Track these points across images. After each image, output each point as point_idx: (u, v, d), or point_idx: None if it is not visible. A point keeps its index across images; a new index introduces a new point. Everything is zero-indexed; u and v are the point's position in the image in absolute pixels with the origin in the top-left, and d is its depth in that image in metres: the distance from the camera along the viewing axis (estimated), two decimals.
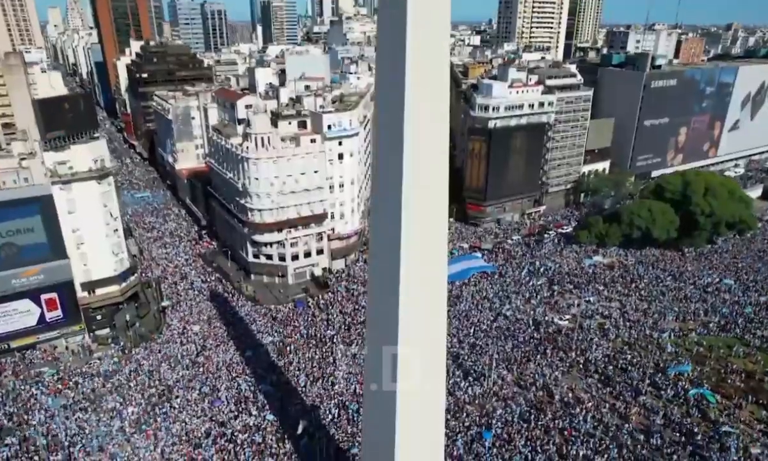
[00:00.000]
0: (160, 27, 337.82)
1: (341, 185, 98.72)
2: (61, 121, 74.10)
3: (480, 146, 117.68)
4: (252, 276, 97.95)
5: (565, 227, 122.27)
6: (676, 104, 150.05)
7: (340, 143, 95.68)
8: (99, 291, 79.84)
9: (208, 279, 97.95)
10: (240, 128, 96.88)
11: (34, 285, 72.79)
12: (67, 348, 76.36)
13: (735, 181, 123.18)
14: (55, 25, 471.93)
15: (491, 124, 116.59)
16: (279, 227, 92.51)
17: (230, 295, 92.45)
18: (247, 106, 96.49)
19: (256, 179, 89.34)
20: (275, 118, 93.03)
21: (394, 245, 32.41)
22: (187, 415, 61.93)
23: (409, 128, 29.63)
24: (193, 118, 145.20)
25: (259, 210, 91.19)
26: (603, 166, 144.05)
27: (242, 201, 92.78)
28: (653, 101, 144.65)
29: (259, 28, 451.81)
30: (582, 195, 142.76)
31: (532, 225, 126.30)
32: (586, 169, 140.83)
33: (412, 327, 33.59)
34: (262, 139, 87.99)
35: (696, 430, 58.51)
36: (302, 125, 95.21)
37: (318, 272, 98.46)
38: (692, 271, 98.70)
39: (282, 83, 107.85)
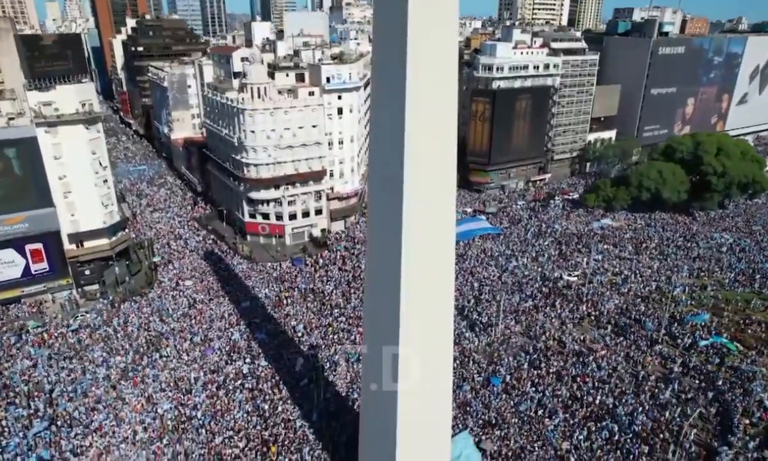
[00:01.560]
0: (158, 12, 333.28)
1: (341, 142, 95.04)
2: (46, 61, 70.07)
3: (483, 108, 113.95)
4: (248, 237, 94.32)
5: (571, 194, 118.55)
6: (684, 73, 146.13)
7: (339, 97, 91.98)
8: (87, 244, 76.13)
9: (203, 240, 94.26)
10: (236, 83, 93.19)
11: (18, 234, 69.19)
12: (53, 301, 72.61)
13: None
14: (53, 19, 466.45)
15: (495, 84, 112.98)
16: (276, 183, 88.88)
17: (225, 254, 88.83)
18: (243, 59, 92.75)
19: (252, 131, 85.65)
20: (272, 70, 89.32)
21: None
22: (176, 364, 58.44)
23: (411, 98, 26.93)
24: (189, 86, 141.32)
25: (255, 165, 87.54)
26: (609, 135, 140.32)
27: (238, 157, 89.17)
28: (660, 69, 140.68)
29: (258, 20, 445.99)
30: (588, 165, 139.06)
31: (537, 192, 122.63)
32: (591, 137, 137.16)
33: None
34: (258, 89, 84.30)
35: (716, 376, 54.85)
36: (300, 77, 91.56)
37: (317, 233, 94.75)
38: (704, 232, 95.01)
39: (280, 38, 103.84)
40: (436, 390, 34.50)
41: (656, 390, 53.02)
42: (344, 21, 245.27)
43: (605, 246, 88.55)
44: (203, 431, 48.13)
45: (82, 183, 73.49)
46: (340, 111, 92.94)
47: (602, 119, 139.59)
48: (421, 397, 33.29)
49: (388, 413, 33.46)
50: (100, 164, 75.50)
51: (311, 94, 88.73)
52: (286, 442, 46.76)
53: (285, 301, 71.71)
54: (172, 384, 54.91)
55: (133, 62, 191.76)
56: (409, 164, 27.93)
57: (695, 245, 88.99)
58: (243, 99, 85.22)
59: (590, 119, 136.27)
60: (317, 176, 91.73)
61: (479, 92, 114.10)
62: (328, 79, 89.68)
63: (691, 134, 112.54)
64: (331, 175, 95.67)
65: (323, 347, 60.72)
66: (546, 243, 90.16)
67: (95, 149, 74.02)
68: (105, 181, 77.01)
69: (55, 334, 64.16)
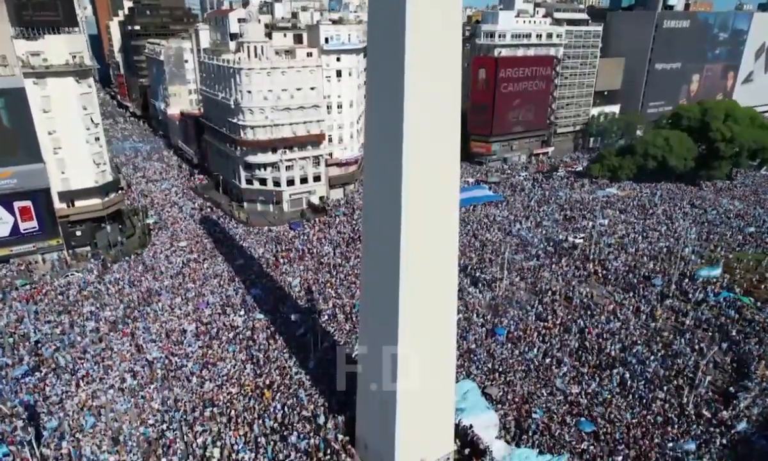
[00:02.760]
0: None
1: (339, 106, 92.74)
2: (34, 9, 67.46)
3: (485, 77, 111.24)
4: (245, 205, 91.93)
5: (575, 166, 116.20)
6: (689, 48, 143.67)
7: (338, 59, 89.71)
8: (79, 204, 73.86)
9: (199, 208, 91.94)
10: (233, 45, 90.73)
11: (6, 190, 66.68)
12: (43, 262, 70.26)
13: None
14: None
15: (497, 52, 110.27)
16: (273, 146, 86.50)
17: (221, 219, 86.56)
18: (240, 21, 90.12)
19: (249, 92, 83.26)
20: (270, 30, 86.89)
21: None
22: (168, 317, 56.12)
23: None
24: (186, 61, 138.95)
25: (252, 127, 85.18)
26: (613, 109, 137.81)
27: (234, 120, 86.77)
28: (665, 43, 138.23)
29: None
30: (591, 140, 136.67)
31: (540, 164, 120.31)
32: (595, 111, 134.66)
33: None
34: (255, 48, 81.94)
35: (730, 328, 52.58)
36: (298, 39, 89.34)
37: (315, 200, 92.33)
38: (712, 199, 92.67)
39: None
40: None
41: (668, 341, 50.48)
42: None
43: (611, 212, 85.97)
44: (194, 378, 45.64)
45: (73, 139, 71.21)
46: (339, 74, 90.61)
47: (606, 93, 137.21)
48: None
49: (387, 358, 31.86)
50: (92, 120, 73.18)
51: (309, 55, 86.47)
52: (281, 388, 44.33)
53: (282, 261, 69.34)
54: (163, 336, 52.54)
55: (130, 42, 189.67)
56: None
57: (703, 211, 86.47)
58: (239, 58, 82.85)
59: (594, 93, 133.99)
60: (316, 141, 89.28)
61: (481, 60, 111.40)
62: (326, 40, 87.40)
63: (699, 101, 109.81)
64: (330, 140, 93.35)
65: (321, 301, 58.34)
66: (550, 210, 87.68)
67: (86, 105, 71.70)
68: (97, 139, 74.73)
69: (44, 291, 61.58)
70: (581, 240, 73.95)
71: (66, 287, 62.34)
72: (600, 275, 64.63)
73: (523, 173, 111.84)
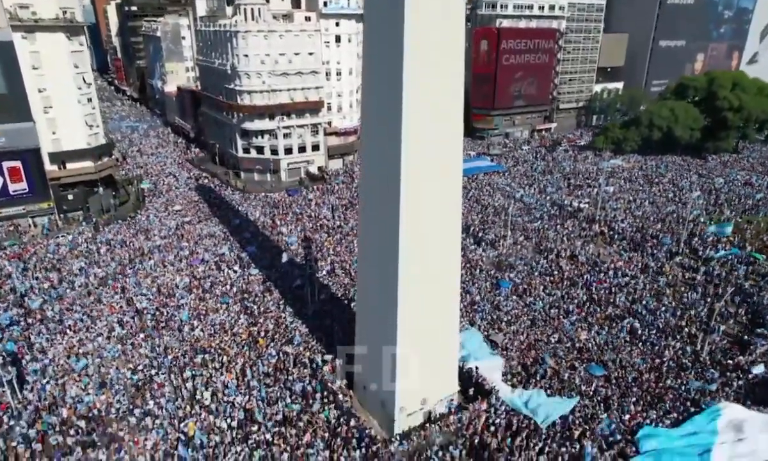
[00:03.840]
0: None
1: (339, 73, 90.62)
2: None
3: (487, 48, 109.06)
4: (242, 175, 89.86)
5: (578, 142, 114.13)
6: (693, 26, 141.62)
7: (337, 24, 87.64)
8: (70, 166, 71.95)
9: (194, 177, 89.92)
10: (230, 10, 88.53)
11: None
12: (34, 225, 68.19)
13: None
14: None
15: (498, 22, 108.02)
16: (270, 112, 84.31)
17: (217, 187, 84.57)
18: None
19: (246, 56, 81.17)
20: None
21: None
22: (161, 271, 54.11)
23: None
24: (183, 38, 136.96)
25: (249, 92, 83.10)
26: (616, 86, 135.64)
27: (231, 86, 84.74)
28: (669, 20, 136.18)
29: None
30: (594, 117, 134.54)
31: (542, 140, 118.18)
32: (598, 87, 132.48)
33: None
34: (252, 10, 79.73)
35: (743, 281, 50.59)
36: (296, 3, 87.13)
37: (313, 170, 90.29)
38: (719, 170, 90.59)
39: None
40: (442, 272, 31.61)
41: (679, 294, 48.52)
42: None
43: (616, 181, 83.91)
44: (185, 328, 43.66)
45: (64, 99, 69.25)
46: (338, 39, 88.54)
47: (609, 70, 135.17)
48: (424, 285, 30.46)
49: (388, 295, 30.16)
50: (84, 80, 71.15)
51: (308, 19, 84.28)
52: (276, 336, 42.38)
53: (279, 223, 67.38)
54: (154, 290, 50.54)
55: (127, 24, 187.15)
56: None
57: (710, 181, 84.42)
58: (236, 22, 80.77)
59: (597, 69, 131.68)
60: (314, 107, 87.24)
61: (483, 31, 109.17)
62: (325, 3, 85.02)
63: (705, 72, 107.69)
64: (329, 108, 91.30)
65: (319, 257, 56.36)
66: (554, 179, 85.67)
67: (78, 63, 69.65)
68: (90, 100, 72.76)
69: (32, 250, 59.55)
70: (586, 205, 71.85)
71: (56, 247, 60.11)
72: (606, 235, 62.51)
73: (526, 147, 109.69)
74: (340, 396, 34.76)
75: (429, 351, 31.41)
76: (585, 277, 52.13)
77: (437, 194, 28.81)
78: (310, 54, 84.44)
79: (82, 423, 33.09)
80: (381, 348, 31.74)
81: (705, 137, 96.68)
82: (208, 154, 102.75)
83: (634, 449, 30.39)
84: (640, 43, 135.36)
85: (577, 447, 29.76)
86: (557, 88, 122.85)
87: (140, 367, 38.96)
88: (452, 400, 34.19)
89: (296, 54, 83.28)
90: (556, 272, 52.87)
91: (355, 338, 36.01)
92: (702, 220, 65.90)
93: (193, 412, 33.95)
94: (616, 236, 62.13)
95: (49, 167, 69.69)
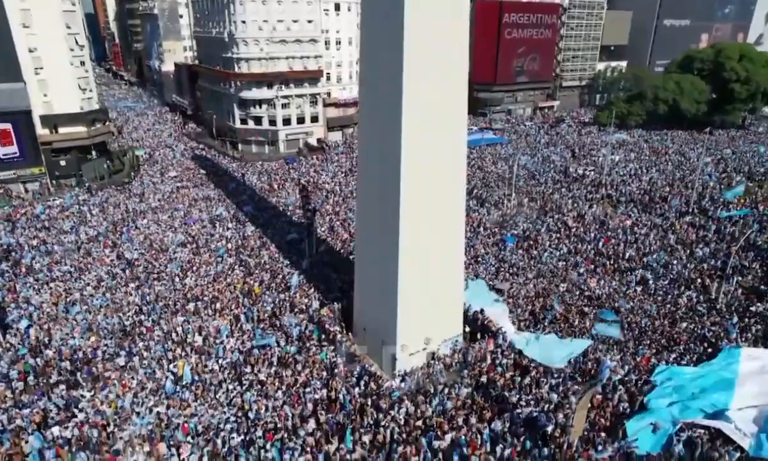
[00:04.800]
0: None
1: (338, 43, 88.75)
2: None
3: (490, 21, 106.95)
4: (240, 147, 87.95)
5: (582, 118, 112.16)
6: (698, 5, 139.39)
7: None
8: (63, 130, 69.88)
9: (191, 147, 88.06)
10: None
11: None
12: (26, 191, 66.28)
13: None
14: None
15: None
16: (269, 81, 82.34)
17: (214, 156, 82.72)
18: None
19: (243, 22, 79.33)
20: None
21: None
22: (154, 230, 52.28)
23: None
24: (180, 16, 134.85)
25: (247, 60, 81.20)
26: (619, 65, 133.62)
27: (229, 54, 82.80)
28: None
29: None
30: (597, 97, 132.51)
31: (545, 117, 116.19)
32: (601, 66, 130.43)
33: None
34: None
35: (757, 237, 48.70)
36: None
37: (312, 142, 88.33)
38: (726, 143, 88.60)
39: None
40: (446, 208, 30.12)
41: (691, 249, 46.68)
42: None
43: (622, 152, 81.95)
44: (177, 279, 41.84)
45: (56, 60, 67.23)
46: (337, 7, 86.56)
47: (612, 48, 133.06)
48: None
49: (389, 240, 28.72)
50: (77, 42, 69.16)
51: None
52: (272, 285, 40.57)
53: (277, 187, 65.55)
54: (147, 246, 48.71)
55: (125, 7, 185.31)
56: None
57: (718, 152, 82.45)
58: None
59: (600, 48, 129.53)
60: (313, 77, 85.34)
61: (485, 4, 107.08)
62: None
63: (711, 44, 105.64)
64: (328, 78, 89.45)
65: (318, 216, 54.51)
66: (558, 150, 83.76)
67: (70, 23, 67.76)
68: (83, 63, 70.77)
69: (22, 211, 57.73)
70: (591, 172, 70.04)
71: (46, 209, 58.29)
72: (614, 198, 60.64)
73: (529, 123, 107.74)
74: (339, 337, 32.93)
75: (432, 290, 29.75)
76: (593, 234, 50.12)
77: (440, 129, 27.35)
78: (309, 21, 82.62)
79: (66, 364, 31.18)
80: (381, 287, 30.10)
81: (711, 112, 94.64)
82: (205, 129, 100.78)
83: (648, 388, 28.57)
84: (644, 22, 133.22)
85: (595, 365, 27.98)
86: (560, 65, 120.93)
87: (129, 314, 36.97)
88: (457, 342, 32.37)
89: (295, 21, 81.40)
90: (562, 229, 50.94)
91: (354, 283, 34.20)
92: (711, 184, 63.90)
93: (183, 354, 32.06)
94: (623, 199, 60.06)
95: (41, 131, 67.74)
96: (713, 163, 75.36)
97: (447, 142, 28.02)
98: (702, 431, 25.86)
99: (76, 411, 27.33)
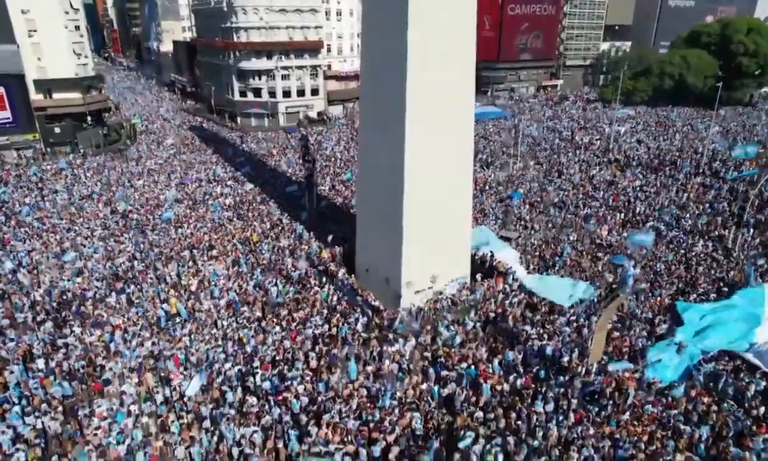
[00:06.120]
0: None
1: (339, 14, 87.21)
2: None
3: None
4: (239, 120, 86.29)
5: (586, 96, 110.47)
6: None
7: None
8: (57, 96, 68.21)
9: (189, 120, 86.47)
10: None
11: None
12: (20, 157, 64.61)
13: None
14: None
15: None
16: (268, 51, 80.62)
17: (213, 127, 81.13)
18: None
19: None
20: None
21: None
22: (149, 189, 50.73)
23: None
24: None
25: (246, 29, 79.47)
26: (623, 45, 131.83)
27: (227, 24, 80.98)
28: None
29: None
30: (601, 77, 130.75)
31: (549, 96, 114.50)
32: (605, 46, 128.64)
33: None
34: None
35: None
36: None
37: (313, 115, 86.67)
38: (733, 118, 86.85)
39: None
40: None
41: (702, 206, 45.12)
42: None
43: (628, 124, 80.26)
44: (172, 229, 40.30)
45: (50, 22, 65.70)
46: None
47: (616, 28, 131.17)
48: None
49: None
50: (71, 5, 67.45)
51: None
52: (271, 235, 39.04)
53: (276, 153, 63.98)
54: (142, 202, 47.16)
55: None
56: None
57: (726, 124, 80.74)
58: None
59: (604, 27, 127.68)
60: (313, 48, 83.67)
61: None
62: None
63: (718, 19, 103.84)
64: (329, 50, 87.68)
65: (318, 176, 52.79)
66: (563, 124, 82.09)
67: None
68: (77, 28, 69.17)
69: (14, 173, 56.15)
70: (598, 140, 68.41)
71: (40, 171, 56.74)
72: (621, 162, 59.02)
73: (532, 100, 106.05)
74: (341, 275, 31.40)
75: (438, 228, 28.28)
76: (601, 192, 48.58)
77: (447, 65, 26.23)
78: None
79: (54, 304, 29.67)
80: (386, 224, 28.71)
81: (718, 87, 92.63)
82: (204, 105, 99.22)
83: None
84: (649, 2, 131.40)
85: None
86: (563, 44, 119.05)
87: (122, 260, 35.43)
88: (465, 283, 30.82)
89: None
90: (570, 189, 49.38)
91: (357, 222, 32.72)
92: (721, 150, 62.26)
93: (177, 295, 30.52)
94: (632, 163, 58.47)
95: (35, 97, 66.10)
96: (722, 133, 73.59)
97: (454, 78, 26.79)
98: (725, 363, 24.38)
99: (61, 342, 25.77)
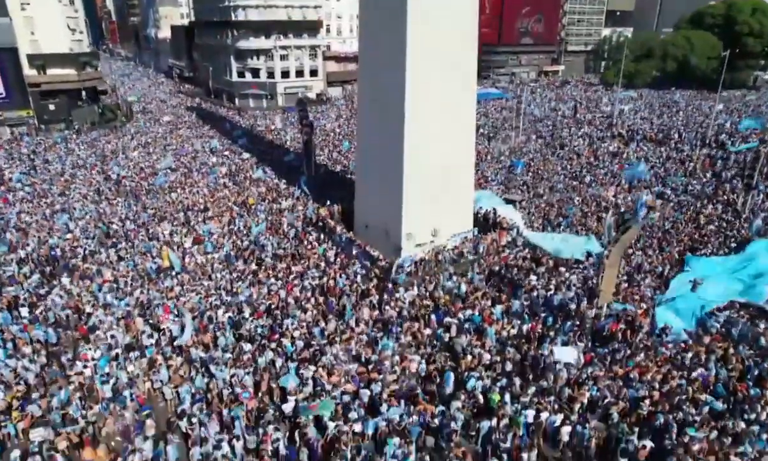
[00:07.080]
0: None
1: None
2: None
3: None
4: (237, 101, 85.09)
5: (588, 81, 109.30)
6: None
7: None
8: (51, 72, 66.91)
9: (187, 101, 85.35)
10: None
11: None
12: (11, 133, 63.31)
13: None
14: None
15: None
16: (267, 29, 79.37)
17: (211, 107, 79.99)
18: None
19: None
20: None
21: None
22: (144, 159, 49.62)
23: None
24: None
25: (244, 7, 78.11)
26: (625, 31, 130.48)
27: (226, 3, 79.61)
28: None
29: None
30: (603, 64, 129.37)
31: (550, 81, 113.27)
32: (607, 31, 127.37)
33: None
34: None
35: None
36: None
37: (311, 96, 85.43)
38: (738, 98, 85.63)
39: None
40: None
41: (710, 174, 44.04)
42: None
43: (631, 103, 79.12)
44: (167, 195, 39.23)
45: None
46: None
47: (618, 13, 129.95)
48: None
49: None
50: None
51: None
52: (267, 198, 37.96)
53: (274, 129, 62.87)
54: (137, 170, 46.06)
55: None
56: None
57: (731, 104, 79.50)
58: None
59: (606, 13, 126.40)
60: (312, 27, 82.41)
61: None
62: None
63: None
64: (328, 30, 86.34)
65: (317, 148, 51.76)
66: (566, 107, 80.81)
67: None
68: (72, 1, 67.60)
69: (7, 147, 54.97)
70: (601, 116, 67.26)
71: (33, 145, 55.60)
72: (625, 136, 57.87)
73: (533, 84, 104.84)
74: (338, 230, 30.33)
75: (439, 180, 27.31)
76: (605, 162, 47.51)
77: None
78: None
79: (42, 258, 28.59)
80: (385, 176, 27.73)
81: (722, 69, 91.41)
82: (201, 89, 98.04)
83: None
84: None
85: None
86: (565, 29, 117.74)
87: (114, 220, 34.35)
88: (467, 238, 29.73)
89: None
90: (574, 158, 48.29)
91: (356, 177, 31.65)
92: (728, 125, 61.15)
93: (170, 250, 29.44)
94: (636, 137, 57.33)
95: (28, 72, 64.72)
96: (726, 111, 72.50)
97: (456, 30, 25.97)
98: (741, 311, 23.37)
99: (44, 290, 24.73)
